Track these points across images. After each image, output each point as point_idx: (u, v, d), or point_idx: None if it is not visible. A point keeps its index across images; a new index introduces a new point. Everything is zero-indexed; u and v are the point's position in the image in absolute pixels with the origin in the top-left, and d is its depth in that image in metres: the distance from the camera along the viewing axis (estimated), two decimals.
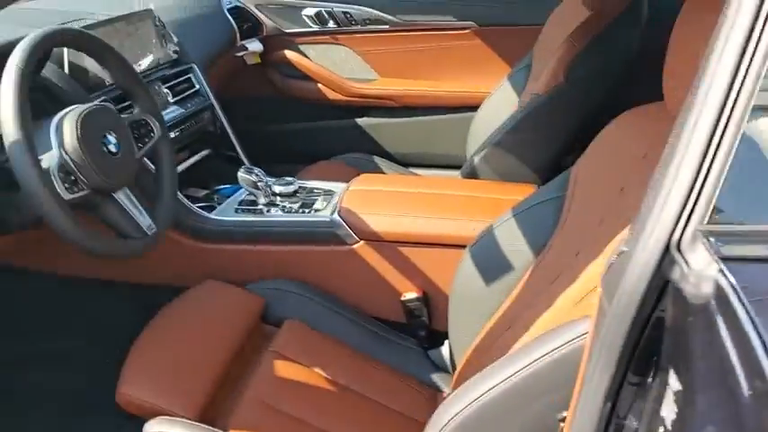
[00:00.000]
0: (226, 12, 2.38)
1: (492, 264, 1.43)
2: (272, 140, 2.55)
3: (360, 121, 2.57)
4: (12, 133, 1.10)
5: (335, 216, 1.66)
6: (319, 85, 2.55)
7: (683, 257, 0.68)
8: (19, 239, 1.49)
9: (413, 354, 1.63)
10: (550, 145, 1.79)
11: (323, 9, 2.48)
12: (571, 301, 1.09)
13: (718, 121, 0.66)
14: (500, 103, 2.21)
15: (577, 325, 0.96)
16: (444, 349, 1.62)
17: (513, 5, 2.39)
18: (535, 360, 0.97)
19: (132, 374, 1.30)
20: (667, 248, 0.70)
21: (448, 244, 1.60)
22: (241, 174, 1.71)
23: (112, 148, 1.27)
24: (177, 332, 1.44)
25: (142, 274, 1.70)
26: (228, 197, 1.82)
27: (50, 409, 1.67)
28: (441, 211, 1.65)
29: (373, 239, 1.63)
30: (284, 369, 1.46)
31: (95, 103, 1.32)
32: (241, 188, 1.85)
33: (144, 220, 1.33)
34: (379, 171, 2.32)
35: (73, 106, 1.26)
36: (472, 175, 1.85)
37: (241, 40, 2.41)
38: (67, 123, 1.21)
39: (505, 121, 1.85)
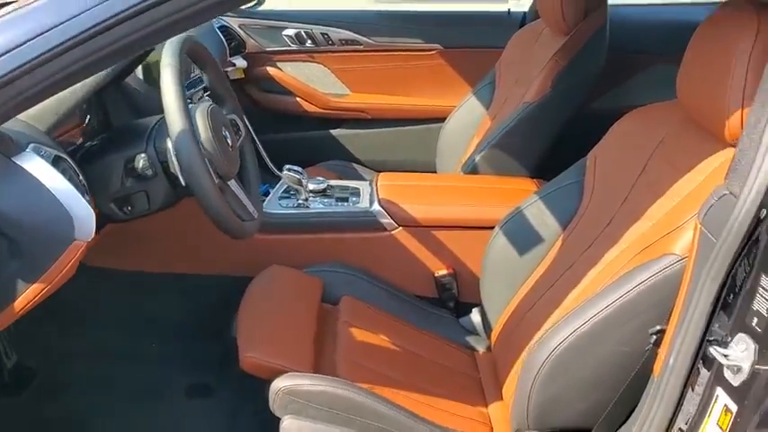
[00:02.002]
0: (217, 30, 2.56)
1: (523, 238, 1.73)
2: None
3: (335, 131, 2.82)
4: (178, 124, 1.27)
5: (376, 206, 1.91)
6: (298, 98, 2.78)
7: None
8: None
9: (447, 321, 1.91)
10: (540, 144, 2.15)
11: (302, 30, 2.72)
12: (630, 253, 1.40)
13: None
14: (468, 114, 2.54)
15: (658, 262, 1.27)
16: (474, 316, 1.91)
17: (474, 31, 2.75)
18: (627, 291, 1.27)
19: (250, 342, 1.48)
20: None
21: (474, 226, 1.90)
22: (286, 172, 1.91)
23: (229, 141, 1.45)
24: (268, 308, 1.63)
25: (204, 266, 1.86)
26: (262, 195, 2.01)
27: (122, 396, 1.78)
28: (465, 199, 1.96)
29: (410, 225, 1.90)
30: (358, 335, 1.69)
31: (210, 102, 1.49)
32: (266, 186, 2.06)
33: (249, 206, 1.52)
34: (359, 176, 2.58)
35: (197, 104, 1.43)
36: (473, 171, 2.16)
37: (229, 56, 2.59)
38: (200, 118, 1.38)
39: (499, 125, 2.19)
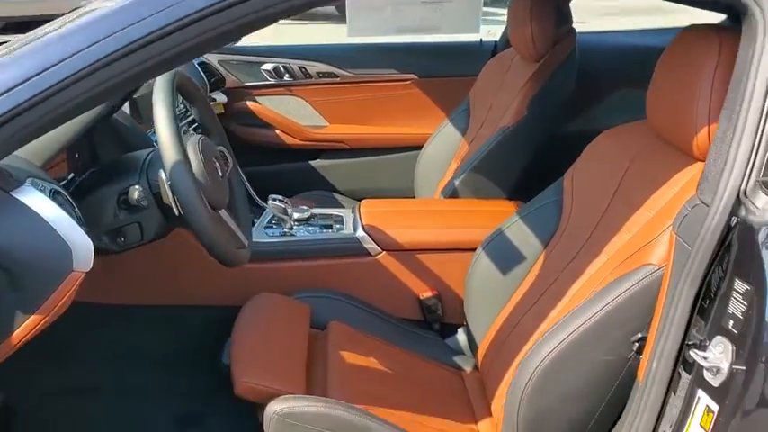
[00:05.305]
0: (197, 66, 2.61)
1: (505, 258, 1.78)
2: None
3: (314, 163, 2.87)
4: (172, 156, 1.31)
5: (360, 232, 1.95)
6: (277, 131, 2.83)
7: (750, 201, 1.09)
8: None
9: (433, 342, 1.94)
10: (516, 166, 2.22)
11: (280, 64, 2.79)
12: (610, 265, 1.46)
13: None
14: (444, 140, 2.61)
15: (636, 273, 1.32)
16: (459, 336, 1.95)
17: (447, 60, 2.84)
18: (608, 303, 1.32)
19: (244, 368, 1.50)
20: (737, 196, 1.10)
21: (456, 248, 1.95)
22: (272, 202, 1.95)
23: (219, 172, 1.49)
24: (260, 335, 1.65)
25: (191, 298, 1.88)
26: None
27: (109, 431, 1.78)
28: (446, 222, 2.01)
29: (394, 249, 1.95)
30: (348, 358, 1.71)
31: (200, 135, 1.53)
32: (251, 217, 2.09)
33: (240, 234, 1.56)
34: (339, 205, 2.62)
35: (187, 136, 1.47)
36: (453, 195, 2.22)
37: (209, 92, 2.64)
38: (192, 150, 1.42)
39: (477, 150, 2.25)
